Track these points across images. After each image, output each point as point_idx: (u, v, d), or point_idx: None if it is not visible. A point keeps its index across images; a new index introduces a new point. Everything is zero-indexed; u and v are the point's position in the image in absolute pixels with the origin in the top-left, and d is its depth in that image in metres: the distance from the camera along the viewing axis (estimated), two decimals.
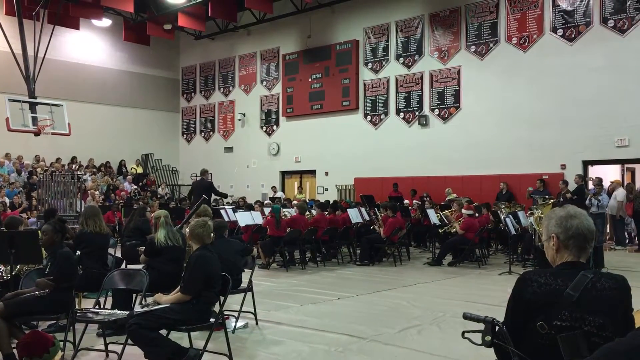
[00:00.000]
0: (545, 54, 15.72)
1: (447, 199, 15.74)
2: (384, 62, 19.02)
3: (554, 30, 15.67)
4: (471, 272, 10.60)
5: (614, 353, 1.82)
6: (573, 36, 15.36)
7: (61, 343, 4.68)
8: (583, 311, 2.26)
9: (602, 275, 2.37)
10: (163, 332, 4.54)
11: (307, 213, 12.68)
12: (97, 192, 18.79)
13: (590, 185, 14.46)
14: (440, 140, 17.43)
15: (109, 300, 6.05)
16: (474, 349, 2.46)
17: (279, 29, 21.60)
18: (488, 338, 2.35)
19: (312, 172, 20.93)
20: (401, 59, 18.62)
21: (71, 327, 4.93)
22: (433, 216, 12.47)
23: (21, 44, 16.61)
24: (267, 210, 12.60)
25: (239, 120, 23.14)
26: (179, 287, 4.71)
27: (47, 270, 5.03)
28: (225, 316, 5.32)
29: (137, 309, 4.69)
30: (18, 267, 5.79)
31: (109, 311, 5.06)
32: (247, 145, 22.71)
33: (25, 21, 16.80)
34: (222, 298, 4.77)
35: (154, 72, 24.46)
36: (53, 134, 16.34)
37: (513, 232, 10.91)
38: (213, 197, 15.35)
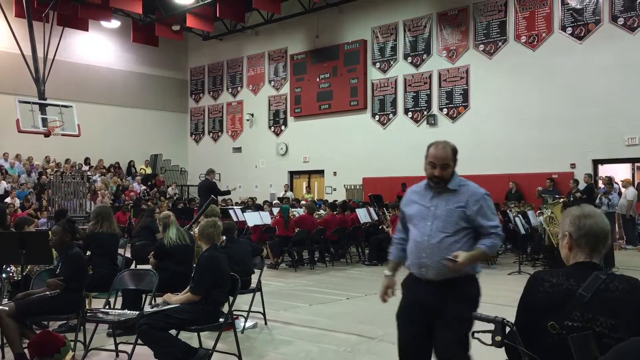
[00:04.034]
0: (555, 53, 15.64)
1: None
2: (392, 62, 18.99)
3: (563, 28, 15.58)
4: (480, 271, 10.54)
5: (625, 353, 1.81)
6: (582, 34, 15.26)
7: (72, 343, 4.71)
8: (595, 312, 2.25)
9: (615, 276, 2.35)
10: (172, 332, 4.55)
11: (316, 213, 12.68)
12: (107, 193, 18.86)
13: (600, 184, 14.37)
14: (449, 140, 17.16)
15: (119, 300, 6.08)
16: (484, 350, 2.45)
17: (286, 29, 21.61)
18: (498, 338, 2.34)
19: (321, 172, 20.93)
20: (409, 59, 18.58)
21: (81, 327, 4.95)
22: None
23: (31, 45, 16.74)
24: (275, 210, 12.62)
25: (247, 120, 23.18)
26: (188, 287, 4.73)
27: (58, 270, 5.06)
28: (234, 316, 5.33)
29: (147, 309, 4.70)
30: (29, 267, 5.83)
31: (119, 311, 5.09)
32: (256, 146, 22.74)
33: (34, 23, 16.92)
34: (231, 298, 4.79)
35: (162, 73, 24.54)
36: (63, 135, 16.45)
37: (522, 231, 10.86)
38: (221, 197, 15.37)
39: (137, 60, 23.75)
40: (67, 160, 20.76)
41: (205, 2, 19.33)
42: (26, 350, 4.55)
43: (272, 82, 22.40)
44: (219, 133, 24.36)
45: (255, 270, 6.53)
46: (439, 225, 3.18)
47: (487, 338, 2.34)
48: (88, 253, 6.19)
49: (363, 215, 12.67)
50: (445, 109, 17.75)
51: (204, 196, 12.79)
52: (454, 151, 3.32)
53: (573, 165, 15.29)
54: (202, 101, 25.11)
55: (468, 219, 3.20)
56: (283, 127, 22.02)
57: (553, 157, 15.46)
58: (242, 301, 6.37)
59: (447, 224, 3.18)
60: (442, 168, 3.24)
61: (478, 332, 2.36)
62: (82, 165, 21.06)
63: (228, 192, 14.33)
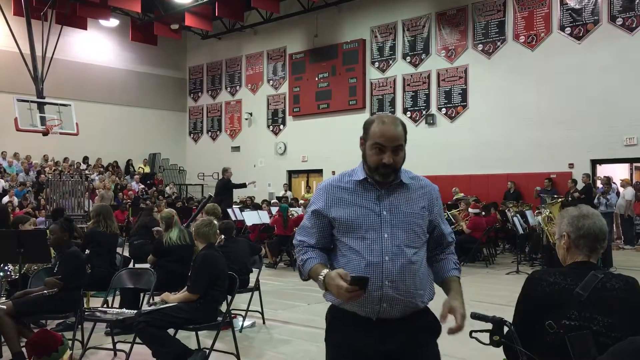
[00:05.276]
0: (553, 53, 15.64)
1: (454, 198, 15.69)
2: (390, 61, 18.99)
3: (562, 28, 15.59)
4: (479, 271, 10.57)
5: (623, 352, 1.81)
6: (581, 34, 15.27)
7: (70, 342, 4.69)
8: (592, 311, 2.25)
9: (613, 275, 2.36)
10: (171, 331, 4.55)
11: None
12: (110, 192, 18.80)
13: (599, 184, 14.40)
14: (448, 140, 17.38)
15: (117, 299, 6.07)
16: (482, 349, 2.45)
17: (285, 29, 21.59)
18: (496, 338, 2.34)
19: (319, 172, 20.92)
20: (408, 58, 18.58)
21: (79, 326, 4.95)
22: None
23: (29, 44, 16.71)
24: (274, 210, 12.62)
25: (246, 119, 23.16)
26: (186, 286, 4.73)
27: (56, 269, 5.06)
28: (232, 315, 5.33)
29: (145, 308, 4.70)
30: (26, 266, 5.83)
31: (117, 310, 5.09)
32: (254, 145, 22.72)
33: (33, 21, 16.89)
34: (229, 297, 4.78)
35: (161, 72, 24.52)
36: (61, 133, 16.43)
37: (521, 231, 10.87)
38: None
39: (135, 59, 23.72)
40: (65, 159, 20.74)
41: (204, 1, 19.31)
42: (24, 349, 4.54)
43: (271, 82, 22.39)
44: (218, 132, 24.34)
45: (254, 270, 6.53)
46: (403, 238, 2.28)
47: (485, 338, 2.34)
48: (87, 252, 6.20)
49: None
50: (443, 109, 17.75)
51: (219, 195, 12.87)
52: (405, 128, 2.39)
53: (571, 165, 15.30)
54: (200, 100, 25.08)
55: (429, 226, 2.40)
56: (282, 127, 22.01)
57: (551, 157, 15.47)
58: (241, 300, 6.38)
59: (412, 235, 2.31)
60: (393, 152, 2.32)
61: (476, 331, 2.36)
62: (80, 164, 21.04)
63: (244, 185, 14.18)
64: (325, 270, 2.23)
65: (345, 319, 2.32)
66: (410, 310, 2.31)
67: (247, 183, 14.13)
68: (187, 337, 5.02)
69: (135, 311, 4.72)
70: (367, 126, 2.36)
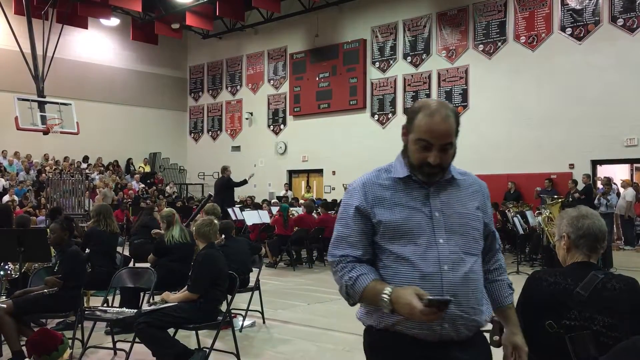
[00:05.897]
0: (554, 53, 15.64)
1: None
2: (391, 61, 18.98)
3: (563, 29, 15.58)
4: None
5: (625, 352, 1.81)
6: (582, 35, 15.27)
7: (70, 341, 4.70)
8: (593, 311, 2.25)
9: (613, 276, 2.36)
10: (171, 331, 4.55)
11: (314, 213, 12.69)
12: (112, 191, 18.78)
13: (599, 185, 14.40)
14: None
15: (117, 298, 6.08)
16: None
17: (286, 28, 21.59)
18: (496, 338, 2.34)
19: (319, 172, 20.92)
20: (409, 58, 18.58)
21: (80, 325, 4.95)
22: None
23: (30, 43, 16.74)
24: (274, 210, 12.63)
25: (247, 119, 23.16)
26: (186, 286, 4.73)
27: (56, 268, 5.06)
28: (232, 315, 5.33)
29: (145, 307, 4.70)
30: (26, 265, 5.83)
31: (117, 309, 5.10)
32: (255, 145, 22.72)
33: (34, 20, 16.92)
34: (229, 297, 4.78)
35: (161, 71, 24.51)
36: (62, 132, 16.46)
37: (521, 231, 10.86)
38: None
39: (136, 58, 23.72)
40: (65, 158, 20.74)
41: (205, 0, 19.31)
42: (24, 348, 4.54)
43: (272, 81, 22.39)
44: (218, 132, 24.34)
45: (254, 269, 6.53)
46: (461, 243, 1.95)
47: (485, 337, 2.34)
48: (87, 251, 6.20)
49: None
50: None
51: (219, 194, 12.81)
52: (458, 119, 1.98)
53: (572, 166, 15.29)
54: (201, 100, 25.08)
55: (484, 230, 2.08)
56: (282, 126, 22.01)
57: (552, 158, 15.46)
58: (241, 300, 6.37)
59: (471, 240, 1.98)
60: (442, 150, 1.95)
61: None
62: (80, 163, 21.05)
63: (244, 182, 14.11)
64: (390, 288, 1.84)
65: (394, 342, 1.93)
66: (474, 330, 1.96)
67: (247, 179, 14.04)
68: (187, 337, 5.03)
69: (135, 310, 4.73)
70: (411, 115, 1.98)
